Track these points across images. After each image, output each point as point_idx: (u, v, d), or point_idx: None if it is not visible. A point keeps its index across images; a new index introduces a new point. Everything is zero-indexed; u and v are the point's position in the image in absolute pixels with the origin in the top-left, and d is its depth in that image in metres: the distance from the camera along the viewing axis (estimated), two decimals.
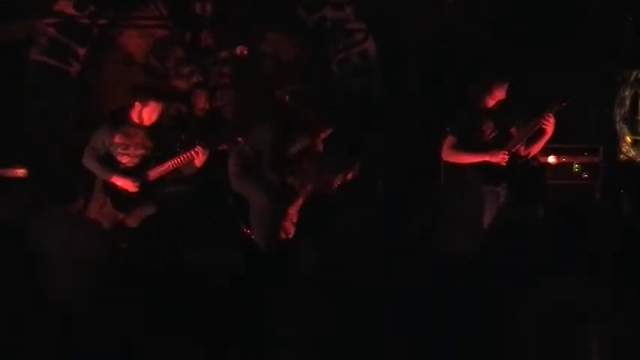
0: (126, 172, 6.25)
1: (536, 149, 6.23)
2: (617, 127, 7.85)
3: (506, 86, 6.20)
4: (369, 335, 3.10)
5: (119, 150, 6.28)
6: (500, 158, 6.01)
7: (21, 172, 7.39)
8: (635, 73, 7.80)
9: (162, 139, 6.40)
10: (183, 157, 6.24)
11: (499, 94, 6.20)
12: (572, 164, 7.73)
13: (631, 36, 7.90)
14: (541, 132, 6.09)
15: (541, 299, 3.32)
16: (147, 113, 6.27)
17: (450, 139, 6.26)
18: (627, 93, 7.85)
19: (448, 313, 3.15)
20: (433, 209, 6.55)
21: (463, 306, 3.19)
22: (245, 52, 8.58)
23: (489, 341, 3.11)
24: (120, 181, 6.22)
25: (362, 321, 3.13)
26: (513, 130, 6.20)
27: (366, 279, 3.32)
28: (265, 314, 3.17)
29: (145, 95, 6.32)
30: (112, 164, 6.28)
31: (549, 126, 6.02)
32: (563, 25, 8.08)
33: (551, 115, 6.00)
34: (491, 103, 6.21)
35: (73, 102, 8.69)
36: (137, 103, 6.27)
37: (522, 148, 6.18)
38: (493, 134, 6.18)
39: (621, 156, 7.80)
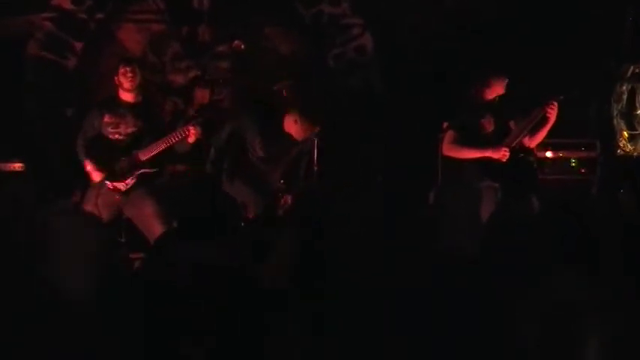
0: (119, 150, 6.28)
1: (539, 138, 6.22)
2: (615, 122, 7.85)
3: (505, 81, 6.20)
4: (369, 335, 3.11)
5: (110, 129, 6.35)
6: (502, 155, 6.01)
7: (18, 166, 7.39)
8: (632, 68, 7.81)
9: (151, 118, 6.44)
10: (177, 135, 6.26)
11: (498, 89, 6.19)
12: (569, 159, 7.74)
13: (631, 35, 7.90)
14: (543, 121, 6.08)
15: (539, 296, 3.32)
16: (124, 79, 6.35)
17: (450, 134, 6.26)
18: (624, 88, 7.84)
19: (448, 312, 3.16)
20: (431, 207, 6.55)
21: (463, 305, 3.19)
22: (242, 47, 8.57)
23: (490, 340, 3.12)
24: (89, 167, 6.28)
25: (361, 321, 3.13)
26: (512, 124, 6.20)
27: (364, 278, 3.32)
28: (264, 314, 3.18)
29: (116, 65, 6.43)
30: (104, 144, 6.31)
31: (553, 114, 6.01)
32: (563, 23, 8.08)
33: (555, 102, 5.98)
34: (489, 96, 6.20)
35: (71, 96, 8.70)
36: (115, 79, 6.37)
37: (527, 139, 6.18)
38: (492, 129, 6.18)
39: (618, 151, 7.81)
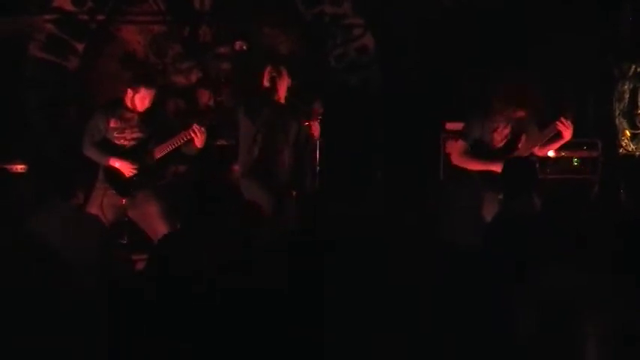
0: (123, 154, 6.27)
1: (549, 149, 6.23)
2: (617, 121, 7.87)
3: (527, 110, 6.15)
4: (371, 332, 3.11)
5: (115, 134, 6.32)
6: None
7: (20, 167, 7.40)
8: (634, 67, 7.81)
9: (158, 122, 6.42)
10: (183, 137, 6.25)
11: (519, 114, 6.14)
12: (571, 158, 7.72)
13: (629, 31, 7.90)
14: (558, 136, 6.08)
15: (539, 294, 3.33)
16: (139, 100, 6.31)
17: (460, 145, 6.23)
18: (626, 87, 7.86)
19: (450, 308, 3.17)
20: (433, 204, 6.54)
21: (464, 300, 3.20)
22: (244, 47, 8.58)
23: (491, 335, 3.13)
24: (117, 163, 6.25)
25: (363, 317, 3.13)
26: (523, 137, 6.17)
27: (366, 275, 3.33)
28: (268, 314, 3.18)
29: (136, 82, 6.38)
30: (109, 148, 6.30)
31: (567, 131, 6.00)
32: (563, 22, 8.08)
33: (567, 119, 5.96)
34: (510, 114, 6.16)
35: (72, 97, 8.71)
36: (129, 90, 6.32)
37: (537, 148, 6.17)
38: (504, 141, 6.15)
39: (620, 150, 7.82)
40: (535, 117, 6.28)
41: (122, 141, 6.32)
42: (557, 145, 6.16)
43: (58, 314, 3.32)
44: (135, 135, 6.34)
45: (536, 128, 6.22)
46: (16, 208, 6.75)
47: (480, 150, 6.15)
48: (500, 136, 6.17)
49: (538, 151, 6.22)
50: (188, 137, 6.24)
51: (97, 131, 6.34)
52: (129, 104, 6.33)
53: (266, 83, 6.39)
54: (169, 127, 6.55)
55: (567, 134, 6.03)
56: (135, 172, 6.26)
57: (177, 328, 3.26)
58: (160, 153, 6.32)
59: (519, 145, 6.15)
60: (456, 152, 6.28)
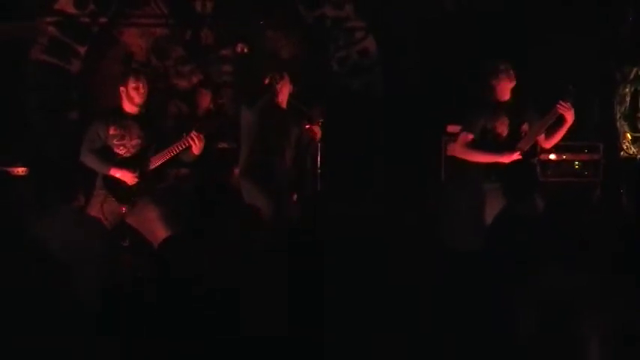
0: (124, 164, 6.24)
1: (556, 138, 6.16)
2: (618, 124, 7.87)
3: (510, 70, 6.08)
4: (371, 332, 3.12)
5: (115, 141, 6.27)
6: (514, 159, 5.95)
7: (22, 170, 7.40)
8: (635, 70, 7.82)
9: (157, 129, 6.40)
10: (180, 145, 6.21)
11: (506, 80, 6.07)
12: (572, 162, 7.71)
13: (631, 34, 7.91)
14: (560, 121, 6.02)
15: (540, 297, 3.33)
16: (132, 92, 6.24)
17: (463, 137, 6.17)
18: (627, 90, 7.87)
19: (450, 310, 3.17)
20: (434, 206, 6.55)
21: (465, 301, 3.20)
22: (245, 50, 8.59)
23: (491, 335, 3.14)
24: (119, 173, 6.22)
25: (363, 317, 3.14)
26: (525, 127, 6.14)
27: (367, 276, 3.33)
28: (269, 315, 3.18)
29: (124, 76, 6.36)
30: (109, 157, 6.26)
31: (568, 113, 5.94)
32: (564, 24, 8.08)
33: (567, 101, 5.91)
34: (502, 94, 6.10)
35: (74, 100, 8.72)
36: (121, 89, 6.29)
37: (543, 139, 6.13)
38: (506, 133, 6.13)
39: (622, 153, 7.82)
40: (533, 104, 6.24)
41: (122, 149, 6.27)
42: (563, 130, 6.06)
43: (61, 316, 3.33)
44: (134, 142, 6.30)
45: (536, 115, 6.17)
46: (18, 209, 6.77)
47: (484, 142, 6.10)
48: (502, 126, 6.13)
49: (545, 142, 6.17)
50: (186, 145, 6.19)
51: (97, 138, 6.29)
52: (127, 108, 6.30)
53: (268, 86, 6.39)
54: (168, 133, 6.52)
55: (569, 116, 5.95)
56: (137, 180, 6.23)
57: (178, 330, 3.26)
58: (156, 162, 6.29)
59: (523, 134, 6.11)
60: (459, 145, 6.21)
